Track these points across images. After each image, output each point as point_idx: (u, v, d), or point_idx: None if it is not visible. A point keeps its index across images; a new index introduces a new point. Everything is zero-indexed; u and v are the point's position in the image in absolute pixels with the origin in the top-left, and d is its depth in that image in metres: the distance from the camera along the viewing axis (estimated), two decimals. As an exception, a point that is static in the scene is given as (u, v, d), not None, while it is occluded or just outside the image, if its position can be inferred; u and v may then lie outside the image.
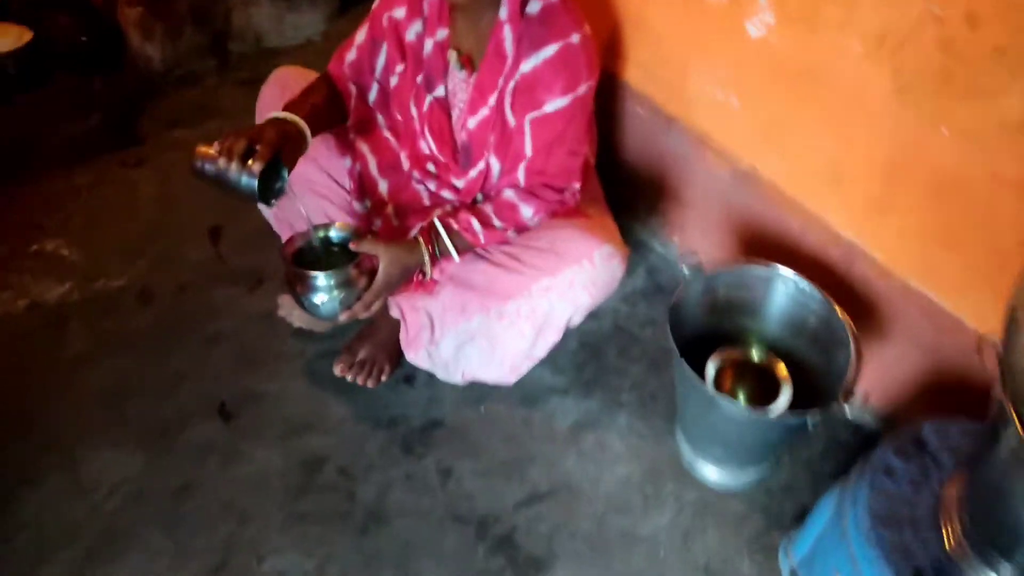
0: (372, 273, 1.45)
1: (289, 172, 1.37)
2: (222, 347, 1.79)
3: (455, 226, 1.50)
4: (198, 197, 2.13)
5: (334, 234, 1.50)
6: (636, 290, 1.95)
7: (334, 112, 1.61)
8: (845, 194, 1.46)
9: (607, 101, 1.89)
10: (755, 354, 1.53)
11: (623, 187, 1.99)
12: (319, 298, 1.42)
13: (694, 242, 1.90)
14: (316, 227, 1.49)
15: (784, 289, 1.49)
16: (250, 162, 1.29)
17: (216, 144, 1.32)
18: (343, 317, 1.47)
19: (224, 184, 1.30)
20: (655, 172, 1.91)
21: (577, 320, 1.57)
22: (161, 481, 1.55)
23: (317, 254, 1.49)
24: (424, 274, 1.53)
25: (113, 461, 1.57)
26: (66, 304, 1.88)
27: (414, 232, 1.64)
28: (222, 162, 1.29)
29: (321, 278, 1.40)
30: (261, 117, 1.77)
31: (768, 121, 1.56)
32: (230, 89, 2.52)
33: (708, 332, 1.54)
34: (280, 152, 1.34)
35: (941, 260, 1.33)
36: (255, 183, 1.28)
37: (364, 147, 1.72)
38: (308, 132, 1.43)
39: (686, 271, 1.47)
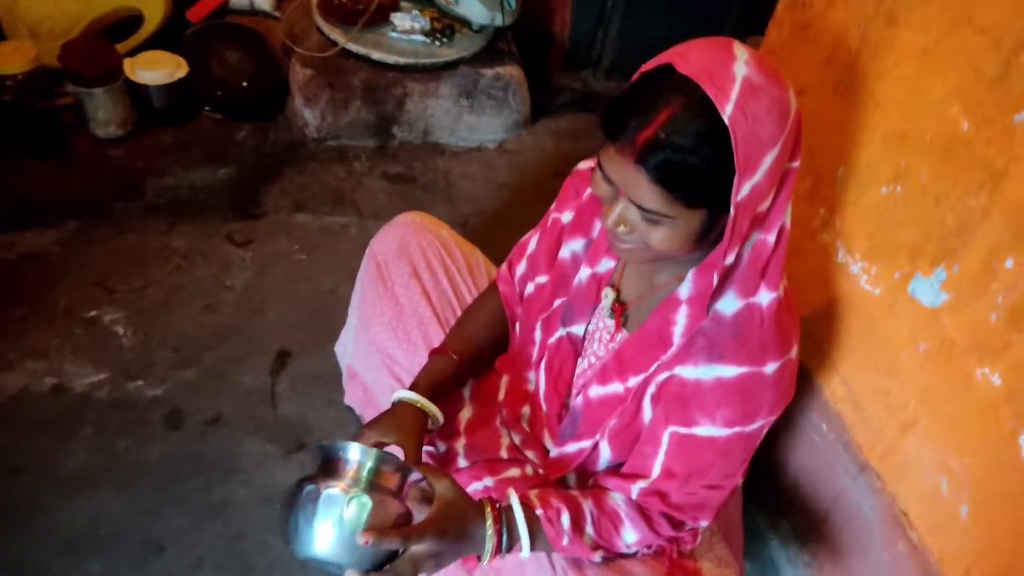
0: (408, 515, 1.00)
1: (414, 461, 1.11)
2: (217, 525, 1.47)
3: (538, 510, 1.06)
4: (285, 305, 1.86)
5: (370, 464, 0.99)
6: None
7: (492, 350, 1.35)
8: None
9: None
10: None
11: (773, 490, 1.52)
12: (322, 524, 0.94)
13: (840, 615, 1.39)
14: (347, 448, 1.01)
15: None
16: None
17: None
18: (362, 539, 0.93)
19: None
20: (819, 507, 1.41)
21: None
22: None
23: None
24: (480, 558, 1.10)
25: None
26: (90, 400, 1.62)
27: (475, 487, 1.25)
28: None
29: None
30: (367, 264, 1.46)
31: (1005, 567, 1.04)
32: (374, 181, 2.23)
33: None
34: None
35: None
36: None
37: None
38: (437, 413, 1.20)
39: None
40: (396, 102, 2.27)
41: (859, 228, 1.26)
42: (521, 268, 1.30)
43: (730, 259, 0.93)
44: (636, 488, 1.10)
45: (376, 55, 2.24)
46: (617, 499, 1.12)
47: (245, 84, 2.18)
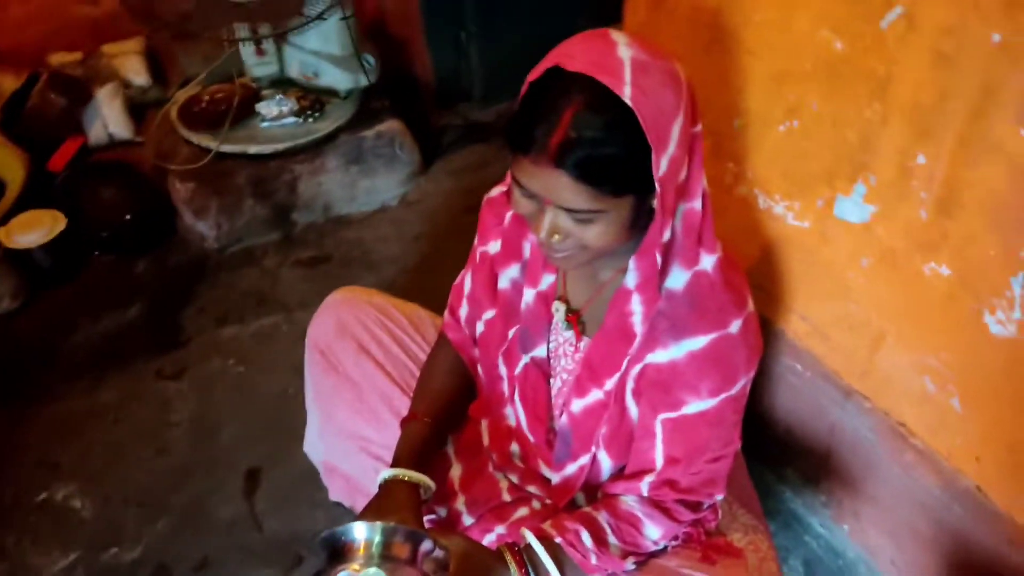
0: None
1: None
2: (240, 671, 1.39)
3: (556, 538, 1.04)
4: (239, 423, 1.79)
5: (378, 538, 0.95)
6: (792, 594, 1.45)
7: (461, 401, 1.30)
8: None
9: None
10: None
11: (770, 443, 1.53)
12: None
13: (874, 541, 1.40)
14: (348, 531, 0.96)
15: None
16: None
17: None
18: None
19: None
20: (819, 444, 1.42)
21: None
22: None
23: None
24: None
25: None
26: (67, 587, 1.52)
27: (489, 539, 1.21)
28: None
29: None
30: (311, 354, 1.40)
31: (1011, 442, 1.07)
32: (290, 272, 2.17)
33: None
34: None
35: None
36: None
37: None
38: (427, 481, 1.16)
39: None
40: (288, 188, 2.23)
41: (770, 171, 1.29)
42: (464, 310, 1.28)
43: (666, 235, 0.94)
44: (644, 485, 1.09)
45: (253, 149, 2.19)
46: (629, 501, 1.10)
47: (128, 217, 2.11)
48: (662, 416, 1.04)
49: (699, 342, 0.99)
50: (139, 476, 1.69)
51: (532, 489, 1.24)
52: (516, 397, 1.21)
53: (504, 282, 1.18)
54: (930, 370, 1.14)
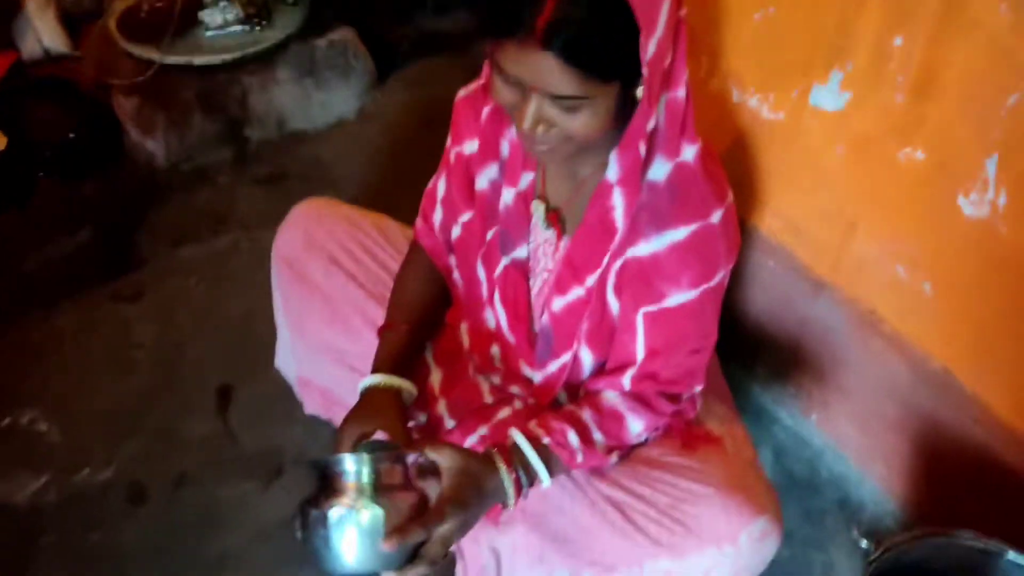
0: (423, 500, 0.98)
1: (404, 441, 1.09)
2: (228, 579, 1.40)
3: (544, 438, 1.05)
4: (205, 342, 1.76)
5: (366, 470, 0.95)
6: (761, 484, 1.50)
7: (436, 308, 1.29)
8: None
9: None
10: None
11: (739, 339, 1.55)
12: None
13: (842, 429, 1.45)
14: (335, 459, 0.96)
15: (1014, 576, 1.04)
16: None
17: None
18: (386, 546, 0.92)
19: None
20: (789, 337, 1.45)
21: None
22: None
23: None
24: (505, 504, 1.06)
25: None
26: (40, 507, 1.49)
27: (472, 441, 1.22)
28: None
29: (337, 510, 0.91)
30: (278, 267, 1.38)
31: (979, 323, 1.10)
32: (247, 189, 2.11)
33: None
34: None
35: None
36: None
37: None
38: (409, 386, 1.17)
39: (861, 544, 1.05)
40: (238, 102, 2.14)
41: (745, 63, 1.27)
42: (438, 216, 1.26)
43: (651, 124, 0.92)
44: (626, 379, 1.10)
45: (199, 60, 2.09)
46: (611, 397, 1.11)
47: (72, 135, 2.01)
48: (643, 309, 1.05)
49: (681, 233, 0.99)
50: (105, 398, 1.66)
51: (514, 389, 1.25)
52: (496, 299, 1.20)
53: (482, 183, 1.15)
54: (902, 256, 1.16)
